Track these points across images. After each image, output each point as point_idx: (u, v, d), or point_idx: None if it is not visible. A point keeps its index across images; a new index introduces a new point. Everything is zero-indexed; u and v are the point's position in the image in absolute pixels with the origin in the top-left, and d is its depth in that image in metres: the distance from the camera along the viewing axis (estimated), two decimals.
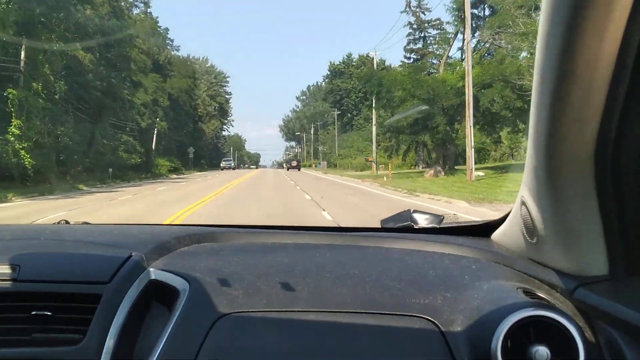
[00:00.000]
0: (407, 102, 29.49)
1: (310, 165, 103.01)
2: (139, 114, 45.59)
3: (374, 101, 48.40)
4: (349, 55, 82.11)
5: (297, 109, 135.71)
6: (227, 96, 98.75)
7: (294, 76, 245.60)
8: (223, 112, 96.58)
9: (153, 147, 54.37)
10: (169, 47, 61.69)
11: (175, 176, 47.93)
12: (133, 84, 38.94)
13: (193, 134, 74.88)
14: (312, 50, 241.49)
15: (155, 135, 54.60)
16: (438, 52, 44.63)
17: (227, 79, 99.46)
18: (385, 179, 26.51)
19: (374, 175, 31.89)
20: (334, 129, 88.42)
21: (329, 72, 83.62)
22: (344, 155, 67.25)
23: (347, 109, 77.12)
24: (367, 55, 78.96)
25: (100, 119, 33.14)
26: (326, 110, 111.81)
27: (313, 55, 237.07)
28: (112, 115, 35.69)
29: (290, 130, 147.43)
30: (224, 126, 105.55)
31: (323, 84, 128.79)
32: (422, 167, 47.68)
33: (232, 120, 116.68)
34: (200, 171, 66.15)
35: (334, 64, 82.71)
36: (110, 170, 34.88)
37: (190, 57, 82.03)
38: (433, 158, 47.51)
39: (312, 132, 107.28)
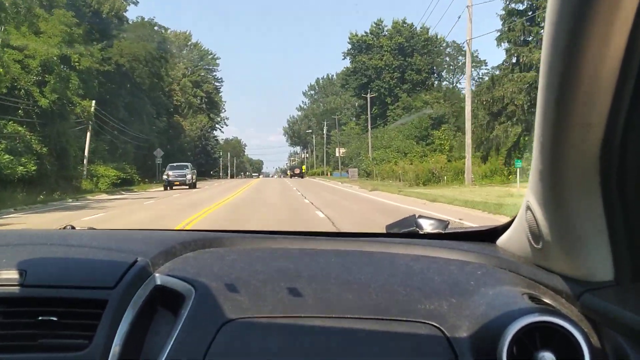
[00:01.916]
0: None
1: (322, 174, 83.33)
2: (34, 82, 24.87)
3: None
4: (379, 23, 61.39)
5: (305, 106, 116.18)
6: (216, 84, 78.17)
7: (301, 72, 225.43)
8: (212, 105, 75.93)
9: (86, 145, 33.81)
10: None
11: (105, 197, 26.94)
12: None
13: (167, 131, 54.44)
14: (323, 34, 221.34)
15: (89, 127, 34.04)
16: None
17: (217, 60, 78.71)
18: None
19: None
20: (357, 124, 67.91)
21: (350, 47, 62.79)
22: (378, 160, 46.40)
23: (377, 96, 56.39)
24: (404, 21, 58.35)
25: None
26: (339, 106, 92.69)
27: (324, 41, 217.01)
28: None
29: (295, 133, 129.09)
30: (217, 125, 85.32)
31: (334, 76, 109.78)
32: None
33: (226, 118, 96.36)
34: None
35: (356, 36, 61.90)
36: None
37: (169, 31, 61.73)
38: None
39: (324, 132, 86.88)
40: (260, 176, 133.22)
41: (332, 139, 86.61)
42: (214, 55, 78.94)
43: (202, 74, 73.33)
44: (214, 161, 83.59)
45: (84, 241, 1.34)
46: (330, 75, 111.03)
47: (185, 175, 34.09)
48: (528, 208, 1.05)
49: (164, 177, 34.68)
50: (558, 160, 0.87)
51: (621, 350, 0.86)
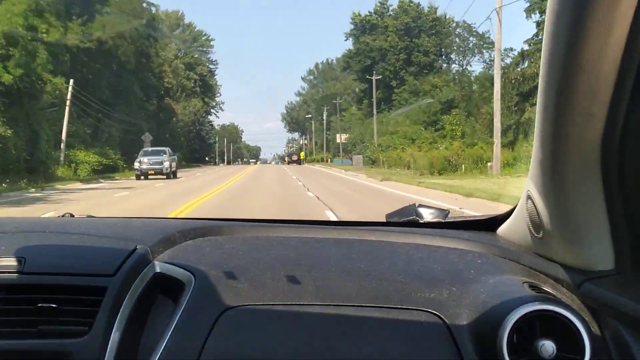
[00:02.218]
0: None
1: (322, 160, 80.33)
2: None
3: None
4: (384, 2, 57.44)
5: (304, 92, 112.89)
6: (211, 66, 74.09)
7: (299, 57, 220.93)
8: (206, 88, 72.13)
9: (64, 128, 30.49)
10: None
11: (77, 186, 23.68)
12: None
13: (157, 115, 51.09)
14: (323, 16, 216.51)
15: (67, 108, 30.70)
16: None
17: (211, 42, 74.52)
18: None
19: None
20: (359, 110, 64.61)
21: (353, 27, 59.08)
22: (384, 146, 43.14)
23: (382, 80, 52.90)
24: (411, 1, 54.83)
25: None
26: (339, 91, 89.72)
27: (324, 24, 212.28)
28: None
29: (293, 119, 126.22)
30: (212, 109, 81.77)
31: (334, 60, 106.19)
32: None
33: (222, 103, 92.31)
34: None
35: (359, 16, 58.18)
36: None
37: (160, 10, 57.95)
38: None
39: (324, 118, 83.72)
40: (258, 163, 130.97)
41: (332, 125, 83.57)
42: (209, 36, 75.00)
43: (196, 55, 69.32)
44: (208, 147, 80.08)
45: (83, 229, 1.34)
46: (330, 60, 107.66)
47: (161, 163, 27.34)
48: (529, 197, 1.05)
49: (136, 164, 28.34)
50: (559, 149, 0.87)
51: (621, 338, 0.86)
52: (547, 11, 0.77)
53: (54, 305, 0.99)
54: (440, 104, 45.70)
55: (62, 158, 29.85)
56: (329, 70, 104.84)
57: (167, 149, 30.34)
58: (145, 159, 27.99)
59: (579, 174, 0.88)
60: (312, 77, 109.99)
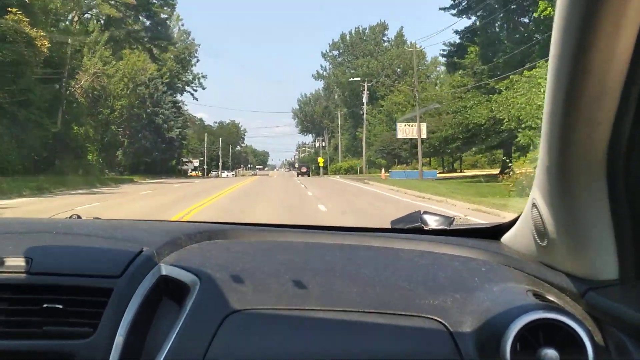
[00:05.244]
0: None
1: (352, 171, 50.02)
2: None
3: None
4: None
5: (325, 73, 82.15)
6: (171, 1, 41.63)
7: (319, 28, 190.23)
8: (157, 30, 39.98)
9: None
10: None
11: None
12: None
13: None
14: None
15: None
16: None
17: None
18: None
19: None
20: (453, 71, 33.20)
21: None
22: None
23: (505, 11, 21.21)
24: None
25: None
26: (374, 71, 59.34)
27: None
28: None
29: (307, 116, 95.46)
30: (185, 86, 50.40)
31: (367, 29, 75.46)
32: None
33: (202, 76, 59.81)
34: None
35: None
36: None
37: None
38: None
39: (364, 102, 52.80)
40: (265, 169, 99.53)
41: (367, 117, 52.85)
42: None
43: None
44: (170, 146, 47.23)
45: (90, 230, 1.37)
46: (362, 29, 77.06)
47: None
48: (534, 205, 1.06)
49: None
50: (565, 157, 0.88)
51: (624, 349, 0.87)
52: (555, 18, 0.78)
53: (59, 306, 1.01)
54: None
55: None
56: (360, 43, 74.36)
57: None
58: None
59: (585, 183, 0.88)
60: (336, 52, 79.48)
